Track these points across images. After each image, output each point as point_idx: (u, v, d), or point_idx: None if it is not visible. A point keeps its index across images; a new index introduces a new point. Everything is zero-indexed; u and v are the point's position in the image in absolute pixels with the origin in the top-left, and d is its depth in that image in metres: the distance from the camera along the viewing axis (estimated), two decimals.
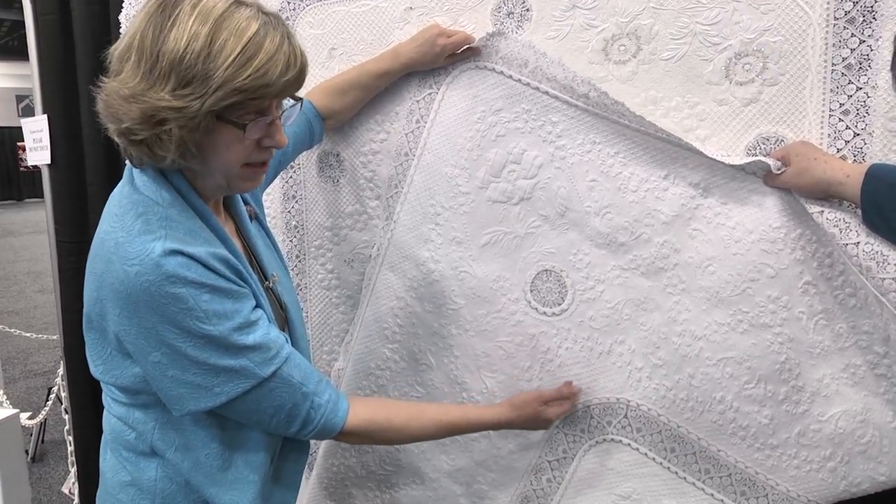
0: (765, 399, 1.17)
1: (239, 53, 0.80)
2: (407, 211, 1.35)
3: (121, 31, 1.64)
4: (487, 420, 1.19)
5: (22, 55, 2.00)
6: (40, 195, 2.09)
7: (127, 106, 0.82)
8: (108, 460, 1.00)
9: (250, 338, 0.89)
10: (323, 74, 1.40)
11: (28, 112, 2.02)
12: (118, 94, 0.82)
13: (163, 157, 0.85)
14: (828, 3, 1.07)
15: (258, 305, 0.94)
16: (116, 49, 0.85)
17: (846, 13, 1.06)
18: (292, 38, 0.86)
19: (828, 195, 1.05)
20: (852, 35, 1.06)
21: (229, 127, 0.85)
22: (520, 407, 1.21)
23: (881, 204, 0.98)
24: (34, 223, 12.44)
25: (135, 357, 0.89)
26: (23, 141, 2.07)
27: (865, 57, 1.06)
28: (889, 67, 1.04)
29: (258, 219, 1.12)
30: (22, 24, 1.99)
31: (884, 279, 1.00)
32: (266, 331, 0.92)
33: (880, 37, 1.04)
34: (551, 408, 1.23)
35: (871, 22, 1.05)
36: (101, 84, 0.85)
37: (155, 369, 0.88)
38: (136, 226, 0.85)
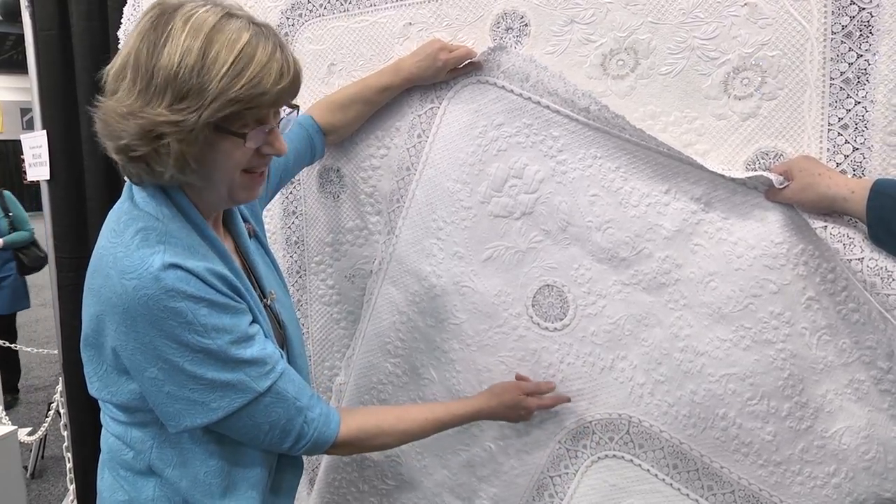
0: (768, 415, 1.16)
1: (232, 64, 0.81)
2: (409, 226, 1.35)
3: (119, 47, 1.65)
4: (470, 410, 1.19)
5: (26, 69, 2.01)
6: None
7: (125, 123, 0.82)
8: (105, 479, 1.00)
9: (247, 352, 0.89)
10: (322, 90, 1.41)
11: (32, 125, 2.03)
12: (115, 112, 0.83)
13: (161, 172, 0.86)
14: (825, 17, 1.07)
15: (255, 321, 0.94)
16: (112, 68, 0.86)
17: (843, 27, 1.06)
18: (285, 46, 0.87)
19: (832, 211, 1.05)
20: (850, 49, 1.06)
21: (229, 137, 0.86)
22: (500, 394, 1.22)
23: (888, 219, 0.97)
24: (37, 235, 12.43)
25: (132, 372, 0.89)
26: None
27: (863, 71, 1.06)
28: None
29: (257, 236, 1.12)
30: None
31: (889, 295, 0.99)
32: (262, 346, 0.92)
33: (877, 51, 1.04)
34: (531, 398, 1.23)
35: (868, 36, 1.05)
36: (98, 104, 0.86)
37: (152, 385, 0.88)
38: (134, 241, 0.85)
